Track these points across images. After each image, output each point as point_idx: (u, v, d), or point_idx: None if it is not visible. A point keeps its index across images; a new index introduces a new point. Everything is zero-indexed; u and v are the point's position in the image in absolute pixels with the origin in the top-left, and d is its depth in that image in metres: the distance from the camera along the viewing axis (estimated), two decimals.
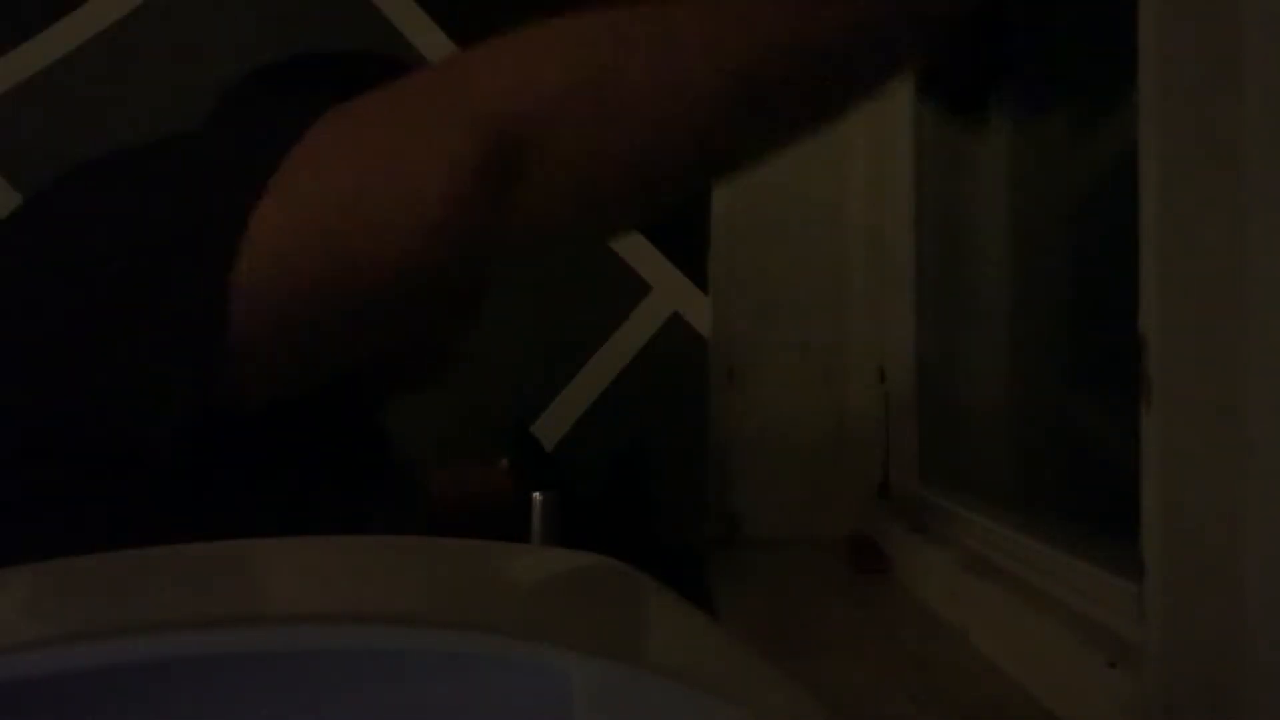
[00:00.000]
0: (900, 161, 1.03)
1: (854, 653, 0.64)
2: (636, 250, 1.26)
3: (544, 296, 1.26)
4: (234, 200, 0.55)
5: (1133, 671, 0.45)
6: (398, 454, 0.78)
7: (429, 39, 1.26)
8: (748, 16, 0.59)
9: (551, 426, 1.23)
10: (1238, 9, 0.37)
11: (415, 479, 0.81)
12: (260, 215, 0.54)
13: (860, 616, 0.74)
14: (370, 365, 0.71)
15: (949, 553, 0.73)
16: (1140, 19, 0.42)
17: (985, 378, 0.91)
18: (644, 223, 0.65)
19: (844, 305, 1.07)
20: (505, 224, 0.58)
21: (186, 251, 0.55)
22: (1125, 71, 0.50)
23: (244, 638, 0.23)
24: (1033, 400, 0.76)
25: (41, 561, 0.32)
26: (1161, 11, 0.41)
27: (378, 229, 0.55)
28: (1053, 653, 0.54)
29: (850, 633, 0.68)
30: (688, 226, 1.24)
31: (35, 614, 0.29)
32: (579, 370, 1.25)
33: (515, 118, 0.56)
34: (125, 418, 0.56)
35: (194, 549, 0.36)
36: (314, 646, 0.23)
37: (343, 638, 0.24)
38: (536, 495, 0.48)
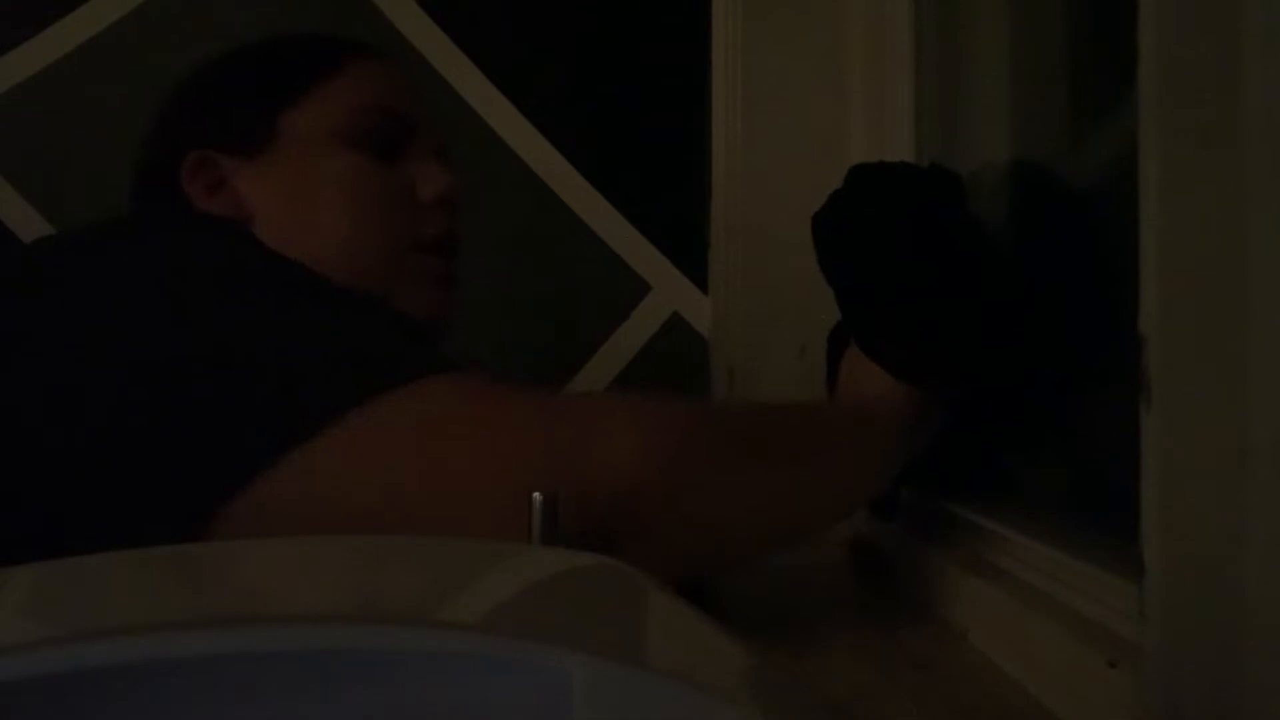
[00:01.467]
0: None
1: (854, 653, 0.64)
2: (636, 250, 1.26)
3: (544, 296, 1.26)
4: (296, 425, 0.56)
5: (1133, 671, 0.45)
6: None
7: (415, 25, 1.26)
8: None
9: None
10: (1238, 9, 0.37)
11: None
12: (326, 449, 0.56)
13: (860, 616, 0.74)
14: None
15: (949, 553, 0.73)
16: (1140, 19, 0.42)
17: None
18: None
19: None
20: None
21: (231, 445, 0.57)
22: None
23: (244, 637, 0.23)
24: (1032, 400, 0.76)
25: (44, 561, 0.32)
26: (1161, 11, 0.41)
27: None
28: (1053, 653, 0.54)
29: (850, 633, 0.68)
30: (688, 226, 1.24)
31: (35, 614, 0.29)
32: (579, 370, 1.25)
33: (629, 495, 0.57)
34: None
35: (194, 549, 0.36)
36: (314, 646, 0.23)
37: (342, 638, 0.24)
38: (536, 495, 0.48)
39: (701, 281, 1.25)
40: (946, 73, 0.99)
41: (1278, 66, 0.36)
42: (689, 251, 1.25)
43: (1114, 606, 0.52)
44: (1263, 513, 0.36)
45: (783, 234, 1.08)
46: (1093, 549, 0.58)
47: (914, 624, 0.70)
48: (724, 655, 0.30)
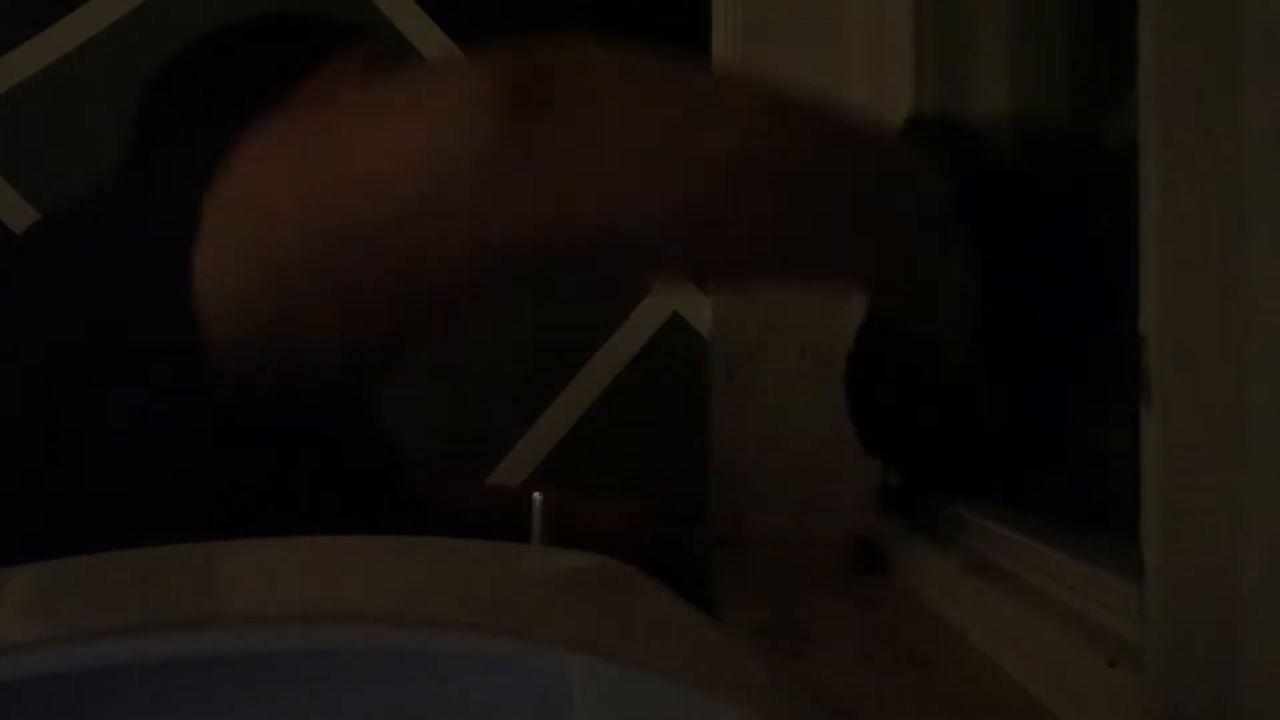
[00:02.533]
0: None
1: (854, 653, 0.64)
2: None
3: (543, 296, 1.26)
4: (178, 215, 0.52)
5: (1133, 671, 0.45)
6: (407, 466, 0.76)
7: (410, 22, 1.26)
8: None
9: (551, 426, 1.23)
10: (1238, 9, 0.37)
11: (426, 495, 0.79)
12: (215, 220, 0.51)
13: (860, 616, 0.74)
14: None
15: (949, 553, 0.73)
16: (1140, 19, 0.42)
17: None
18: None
19: (843, 304, 1.07)
20: (536, 179, 0.51)
21: (148, 289, 0.53)
22: None
23: (244, 638, 0.23)
24: (1032, 400, 0.76)
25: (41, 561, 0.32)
26: (1161, 11, 0.41)
27: (361, 191, 0.51)
28: (1053, 653, 0.54)
29: (850, 633, 0.68)
30: None
31: (35, 614, 0.29)
32: (579, 370, 1.24)
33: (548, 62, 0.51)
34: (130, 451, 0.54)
35: (195, 549, 0.35)
36: (314, 647, 0.23)
37: (343, 638, 0.24)
38: (536, 495, 0.48)
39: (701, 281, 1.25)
40: (946, 72, 0.99)
41: (1278, 66, 0.36)
42: None
43: (1114, 606, 0.52)
44: (1263, 513, 0.36)
45: None
46: (1093, 549, 0.58)
47: (914, 624, 0.70)
48: (724, 655, 0.30)
